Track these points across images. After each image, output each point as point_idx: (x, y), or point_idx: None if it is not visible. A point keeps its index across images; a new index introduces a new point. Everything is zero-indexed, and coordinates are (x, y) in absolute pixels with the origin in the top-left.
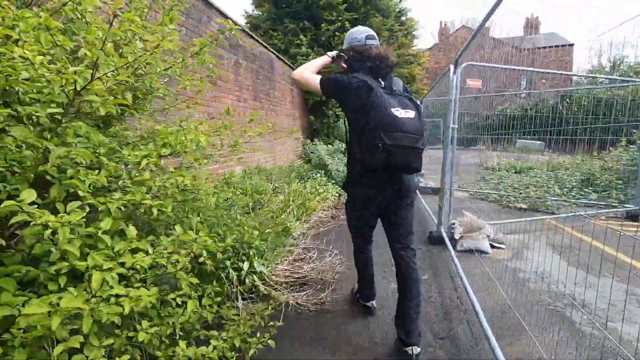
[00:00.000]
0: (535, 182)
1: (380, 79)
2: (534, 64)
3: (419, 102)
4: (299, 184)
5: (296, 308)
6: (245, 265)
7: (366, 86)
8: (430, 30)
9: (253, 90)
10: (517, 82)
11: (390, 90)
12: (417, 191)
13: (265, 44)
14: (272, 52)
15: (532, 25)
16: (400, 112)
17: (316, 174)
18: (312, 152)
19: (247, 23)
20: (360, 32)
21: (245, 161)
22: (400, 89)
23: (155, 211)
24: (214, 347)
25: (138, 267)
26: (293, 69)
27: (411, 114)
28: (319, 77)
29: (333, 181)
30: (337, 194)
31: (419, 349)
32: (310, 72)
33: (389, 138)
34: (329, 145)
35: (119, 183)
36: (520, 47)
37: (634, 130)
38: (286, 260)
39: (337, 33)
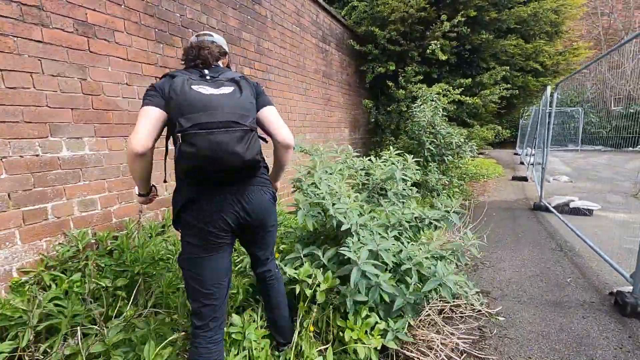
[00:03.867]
0: None
1: (205, 70)
2: None
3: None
4: None
5: None
6: None
7: (168, 76)
8: None
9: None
10: None
11: (209, 78)
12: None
13: None
14: None
15: None
16: (206, 89)
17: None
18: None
19: None
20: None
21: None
22: (232, 76)
23: None
24: None
25: None
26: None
27: (227, 89)
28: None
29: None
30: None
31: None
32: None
33: (188, 120)
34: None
35: None
36: None
37: None
38: None
39: None
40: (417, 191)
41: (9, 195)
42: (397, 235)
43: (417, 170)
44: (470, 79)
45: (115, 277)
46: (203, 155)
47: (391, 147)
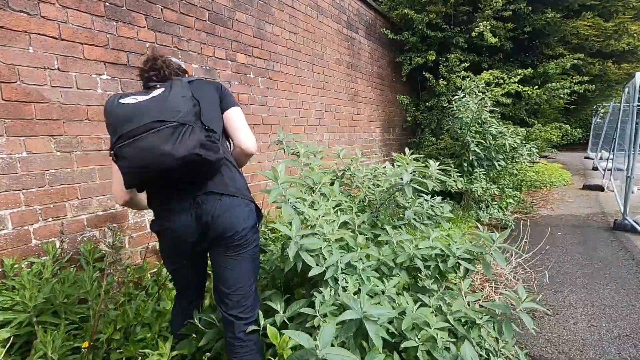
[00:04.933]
0: None
1: (155, 85)
2: None
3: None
4: None
5: None
6: None
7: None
8: None
9: None
10: None
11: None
12: None
13: None
14: None
15: None
16: (136, 99)
17: None
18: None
19: None
20: None
21: None
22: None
23: None
24: None
25: None
26: None
27: (157, 92)
28: None
29: None
30: None
31: None
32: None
33: (114, 134)
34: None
35: None
36: None
37: None
38: None
39: None
40: (455, 206)
41: None
42: (413, 279)
43: (458, 177)
44: (530, 69)
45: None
46: (137, 165)
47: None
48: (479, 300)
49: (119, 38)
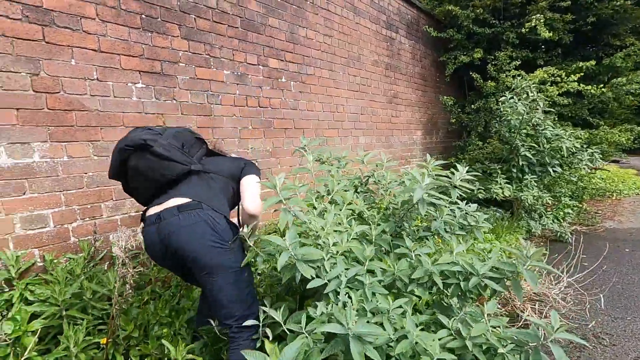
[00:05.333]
0: None
1: None
2: None
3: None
4: None
5: None
6: None
7: None
8: None
9: None
10: None
11: None
12: None
13: None
14: None
15: None
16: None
17: None
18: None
19: None
20: None
21: None
22: None
23: None
24: None
25: None
26: None
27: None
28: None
29: None
30: None
31: None
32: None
33: None
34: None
35: None
36: None
37: None
38: None
39: None
40: (504, 215)
41: None
42: (438, 296)
43: (506, 184)
44: (594, 62)
45: (33, 317)
46: None
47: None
48: (506, 324)
49: (154, 48)
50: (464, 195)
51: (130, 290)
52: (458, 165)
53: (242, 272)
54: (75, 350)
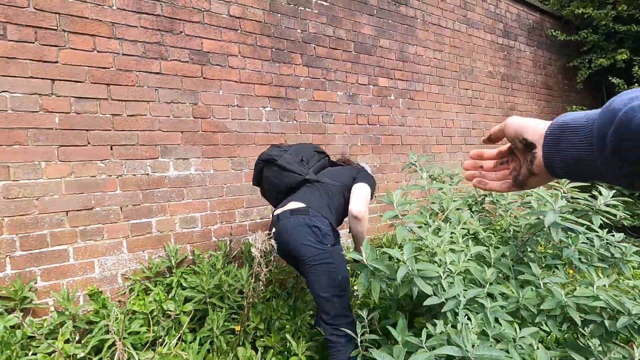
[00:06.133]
0: None
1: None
2: None
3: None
4: None
5: None
6: None
7: None
8: None
9: None
10: None
11: None
12: None
13: None
14: None
15: None
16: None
17: None
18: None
19: None
20: None
21: None
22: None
23: None
24: None
25: None
26: None
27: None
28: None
29: None
30: None
31: None
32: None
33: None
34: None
35: None
36: None
37: None
38: None
39: None
40: None
41: (120, 209)
42: (572, 333)
43: None
44: None
45: (186, 300)
46: None
47: None
48: None
49: (280, 76)
50: (605, 220)
51: (262, 287)
52: (601, 188)
53: (337, 273)
54: (217, 332)
